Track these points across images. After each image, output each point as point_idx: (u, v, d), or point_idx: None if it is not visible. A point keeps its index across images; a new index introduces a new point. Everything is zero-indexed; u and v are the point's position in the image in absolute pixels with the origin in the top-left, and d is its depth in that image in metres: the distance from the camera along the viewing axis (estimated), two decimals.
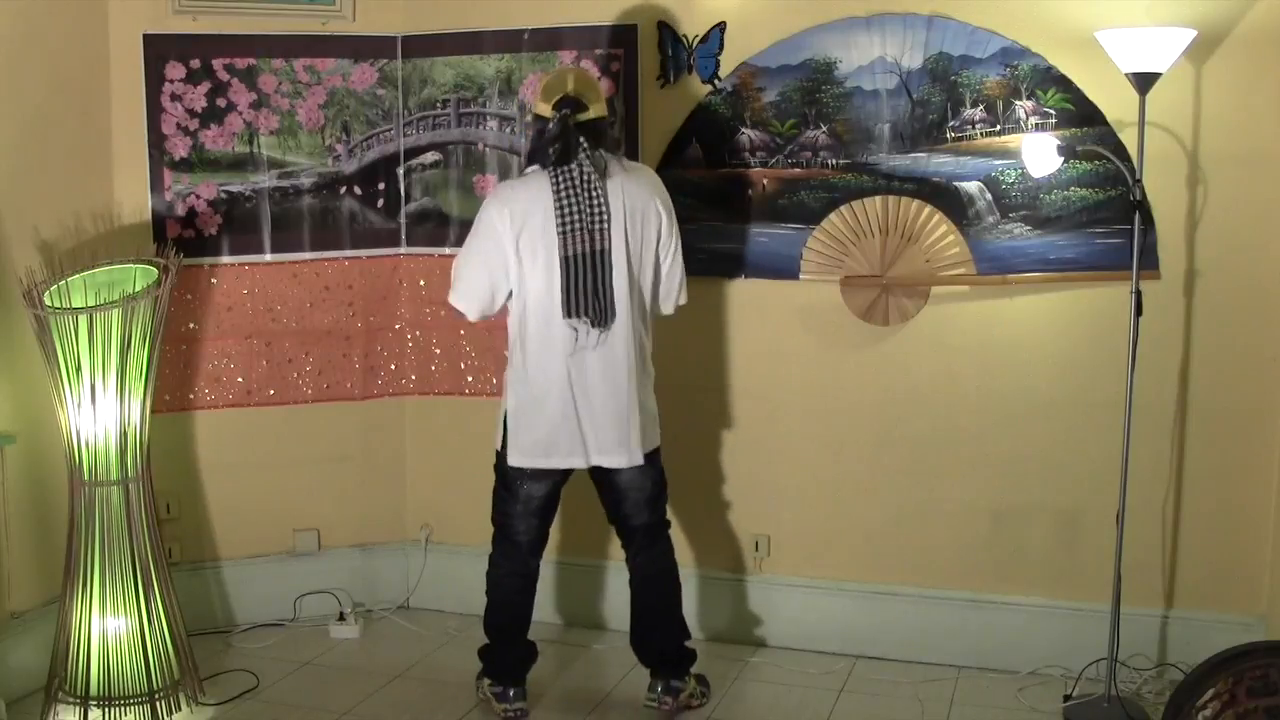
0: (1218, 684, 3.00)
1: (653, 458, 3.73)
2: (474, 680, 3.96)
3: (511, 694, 3.77)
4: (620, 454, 3.62)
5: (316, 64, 4.39)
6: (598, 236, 3.49)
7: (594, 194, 3.48)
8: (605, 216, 3.49)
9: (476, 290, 3.57)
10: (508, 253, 3.51)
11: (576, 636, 4.42)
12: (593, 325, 3.52)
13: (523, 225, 3.50)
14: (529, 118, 3.72)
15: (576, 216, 3.47)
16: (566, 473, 3.71)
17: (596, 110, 3.53)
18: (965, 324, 4.02)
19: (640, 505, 3.77)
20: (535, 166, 3.58)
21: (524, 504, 3.73)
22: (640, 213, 3.57)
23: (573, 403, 3.56)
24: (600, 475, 3.73)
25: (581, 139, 3.47)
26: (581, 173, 3.47)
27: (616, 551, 4.45)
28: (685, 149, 4.22)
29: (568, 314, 3.50)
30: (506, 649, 3.82)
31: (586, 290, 3.49)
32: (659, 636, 3.81)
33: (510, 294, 3.58)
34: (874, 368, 4.12)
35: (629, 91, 4.25)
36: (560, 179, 3.47)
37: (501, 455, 3.71)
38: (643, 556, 3.81)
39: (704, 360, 4.30)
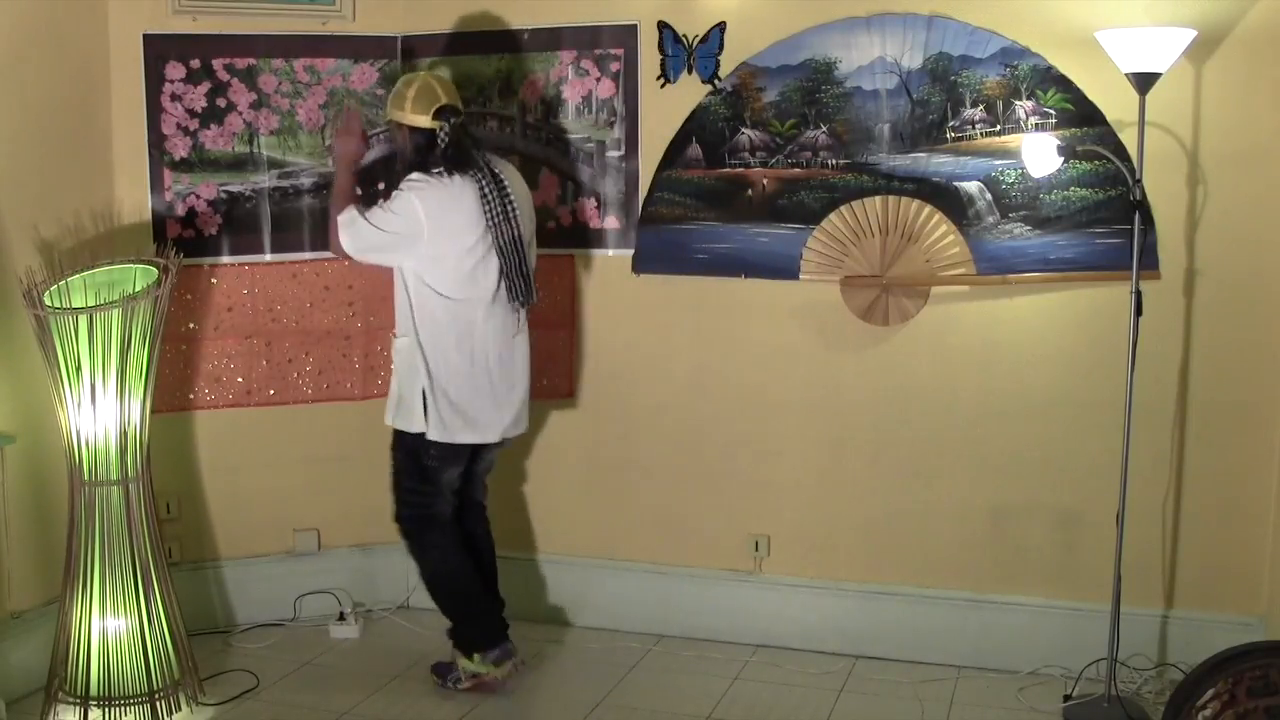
0: (1218, 684, 3.00)
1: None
2: (441, 680, 3.99)
3: (510, 648, 3.95)
4: (519, 426, 3.98)
5: (316, 64, 4.39)
6: (514, 224, 3.82)
7: (503, 188, 3.81)
8: (515, 208, 3.83)
9: (377, 247, 3.76)
10: (418, 238, 3.71)
11: (576, 637, 4.42)
12: (521, 305, 3.88)
13: (441, 218, 3.71)
14: (392, 124, 3.90)
15: (499, 210, 3.78)
16: (474, 451, 3.94)
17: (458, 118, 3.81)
18: (965, 324, 4.03)
19: (483, 481, 4.08)
20: (440, 170, 3.74)
21: (448, 487, 3.93)
22: (527, 202, 3.94)
23: (493, 379, 3.85)
24: (476, 454, 3.96)
25: (475, 142, 3.84)
26: (492, 171, 3.80)
27: (617, 552, 4.46)
28: (685, 149, 4.22)
29: (511, 297, 3.83)
30: (485, 614, 3.97)
31: (515, 274, 3.82)
32: (498, 603, 4.06)
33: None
34: (874, 368, 4.12)
35: (629, 91, 4.26)
36: (477, 179, 3.76)
37: (420, 437, 3.83)
38: (481, 529, 4.09)
39: (704, 360, 4.30)
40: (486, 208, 3.75)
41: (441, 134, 3.75)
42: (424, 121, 3.75)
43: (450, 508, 3.96)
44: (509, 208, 3.80)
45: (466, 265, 3.75)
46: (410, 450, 3.89)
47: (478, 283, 3.78)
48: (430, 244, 3.72)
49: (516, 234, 3.82)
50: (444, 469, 3.89)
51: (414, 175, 3.74)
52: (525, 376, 3.95)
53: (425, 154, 3.77)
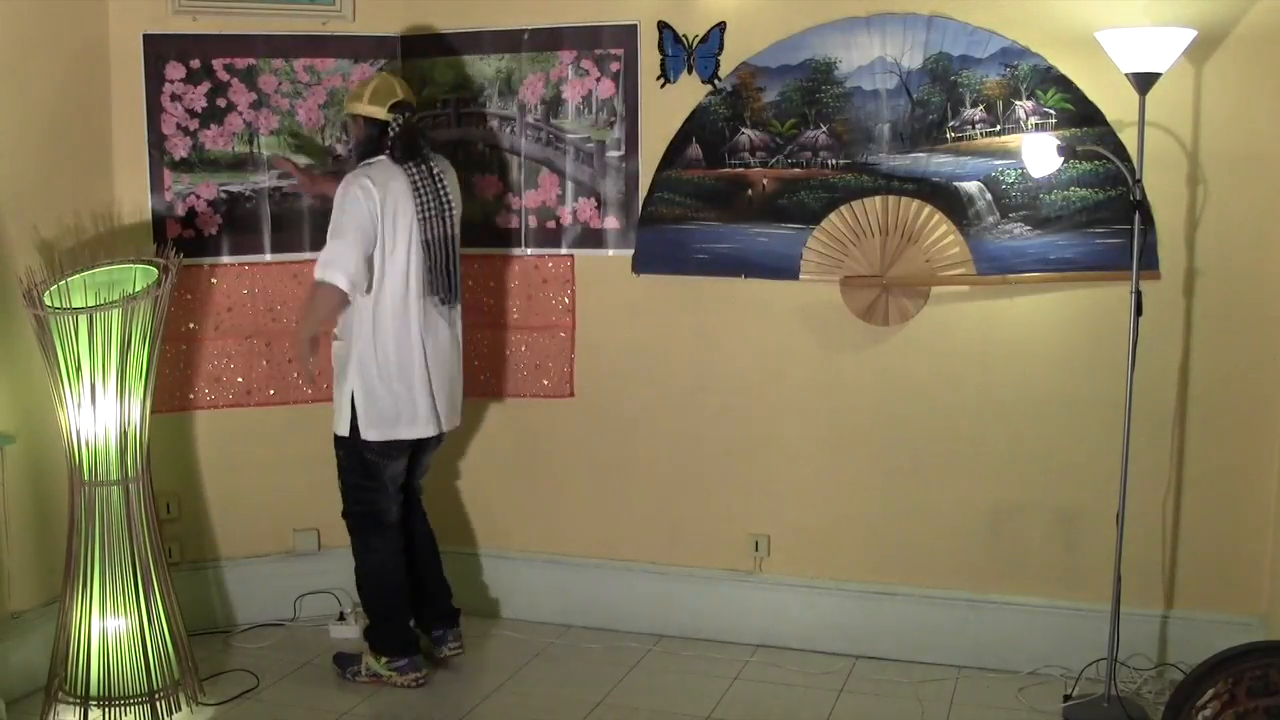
0: (1218, 684, 3.00)
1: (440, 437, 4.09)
2: (341, 671, 4.07)
3: (418, 661, 4.03)
4: (455, 418, 4.06)
5: (316, 64, 4.39)
6: (448, 223, 3.93)
7: (440, 186, 3.91)
8: (450, 206, 3.94)
9: (357, 267, 3.79)
10: (376, 232, 3.80)
11: (576, 636, 4.42)
12: (442, 303, 3.92)
13: (384, 210, 3.80)
14: (348, 117, 4.03)
15: (432, 205, 3.87)
16: (414, 445, 3.98)
17: (412, 117, 3.93)
18: (965, 324, 4.02)
19: (423, 474, 4.16)
20: (382, 158, 3.87)
21: (391, 484, 3.99)
22: (460, 202, 4.02)
23: (428, 374, 3.91)
24: (420, 445, 4.01)
25: (421, 138, 3.92)
26: (430, 167, 3.89)
27: (617, 552, 4.46)
28: (685, 149, 4.22)
29: (432, 292, 3.88)
30: (404, 626, 4.06)
31: (440, 271, 3.90)
32: (443, 594, 4.18)
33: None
34: (874, 368, 4.12)
35: (629, 91, 4.26)
36: (413, 172, 3.86)
37: (355, 437, 3.88)
38: (421, 523, 4.16)
39: (704, 360, 4.30)
40: (418, 200, 3.84)
41: (393, 126, 3.86)
42: (379, 113, 3.87)
43: (396, 506, 4.03)
44: (444, 204, 3.90)
45: (399, 257, 3.82)
46: (351, 447, 3.93)
47: (406, 276, 3.84)
48: (385, 231, 3.80)
49: (448, 233, 3.91)
50: (385, 465, 3.94)
51: (356, 169, 3.88)
52: (459, 371, 4.04)
53: (375, 144, 3.89)
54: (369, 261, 3.79)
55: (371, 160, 3.87)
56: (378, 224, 3.79)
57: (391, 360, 3.85)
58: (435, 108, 4.47)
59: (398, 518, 4.03)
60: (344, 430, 3.89)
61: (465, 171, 4.45)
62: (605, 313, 4.39)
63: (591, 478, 4.47)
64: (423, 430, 3.92)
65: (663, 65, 4.22)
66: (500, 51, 4.38)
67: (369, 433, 3.86)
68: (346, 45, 4.41)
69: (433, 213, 3.86)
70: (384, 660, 4.00)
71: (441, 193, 3.91)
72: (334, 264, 3.76)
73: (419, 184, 3.86)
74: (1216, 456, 3.87)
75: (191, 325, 4.35)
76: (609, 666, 4.17)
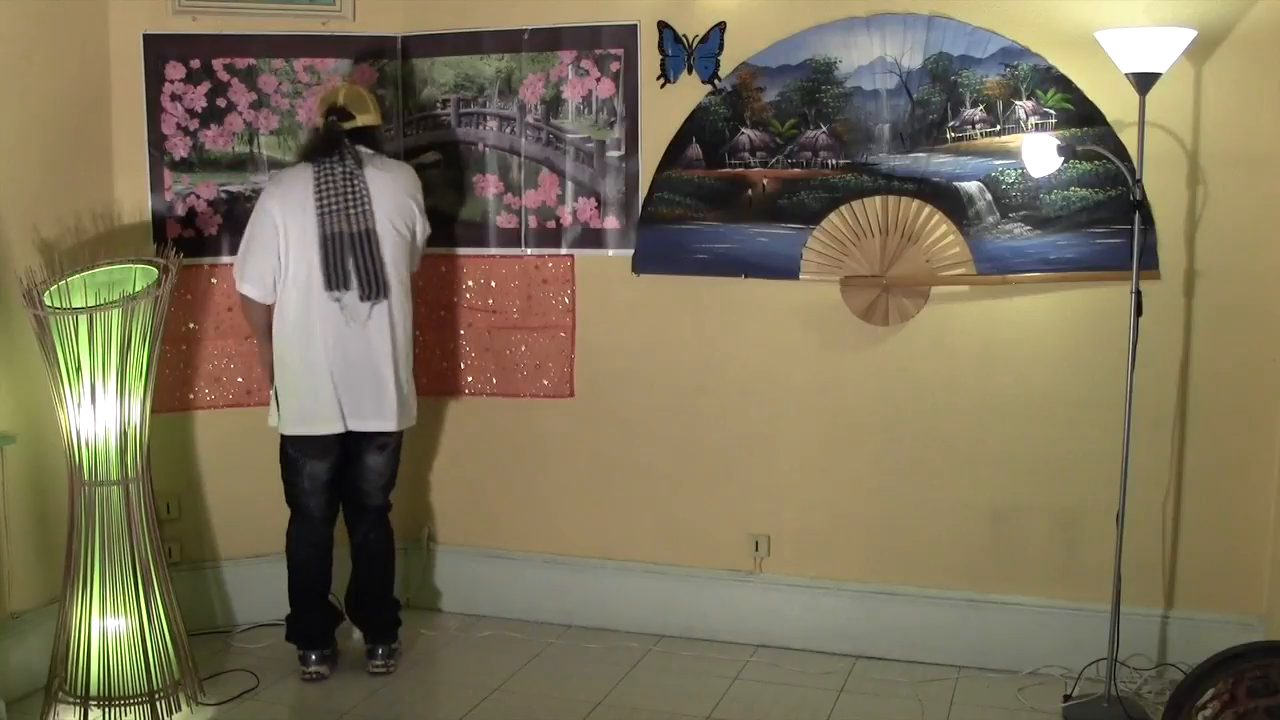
0: (1218, 684, 3.00)
1: (399, 440, 4.09)
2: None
3: (314, 657, 4.07)
4: (375, 420, 3.97)
5: (316, 64, 4.39)
6: (359, 218, 3.86)
7: (353, 182, 3.86)
8: (366, 201, 3.87)
9: (262, 275, 3.89)
10: (279, 237, 3.87)
11: (575, 636, 4.42)
12: (362, 299, 3.88)
13: (285, 211, 3.87)
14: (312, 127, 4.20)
15: (335, 201, 3.85)
16: (340, 446, 3.99)
17: (364, 119, 3.96)
18: (965, 324, 4.02)
19: (378, 488, 4.10)
20: (301, 162, 3.97)
21: (310, 480, 4.02)
22: (398, 201, 3.96)
23: (331, 372, 3.90)
24: (354, 452, 4.03)
25: (346, 140, 3.89)
26: (344, 165, 3.87)
27: (617, 552, 4.46)
28: (685, 149, 4.22)
29: (329, 287, 3.85)
30: (307, 614, 4.10)
31: (349, 266, 3.85)
32: (380, 609, 4.15)
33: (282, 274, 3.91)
34: (874, 368, 4.12)
35: (629, 91, 4.26)
36: (320, 169, 3.87)
37: (279, 431, 4.01)
38: (374, 535, 4.13)
39: (704, 360, 4.30)
40: (318, 196, 3.85)
41: (320, 130, 3.98)
42: (319, 120, 4.02)
43: (319, 503, 4.05)
44: (350, 201, 3.85)
45: (297, 255, 3.86)
46: (280, 444, 4.04)
47: (307, 274, 3.86)
48: (291, 231, 3.86)
49: (358, 229, 3.85)
50: (303, 461, 3.99)
51: None
52: (387, 366, 3.95)
53: (307, 149, 4.02)
54: (279, 263, 3.87)
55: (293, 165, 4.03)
56: (277, 227, 3.85)
57: (296, 357, 3.90)
58: (435, 108, 4.47)
59: (322, 515, 4.07)
60: (273, 422, 4.00)
61: (465, 171, 4.46)
62: (605, 313, 4.39)
63: (591, 478, 4.47)
64: (325, 428, 3.93)
65: (663, 65, 4.22)
66: (500, 51, 4.38)
67: (284, 427, 3.97)
68: (346, 45, 4.41)
69: (335, 208, 3.84)
70: (293, 645, 4.11)
71: (351, 190, 3.85)
72: (240, 274, 3.93)
73: (321, 181, 3.85)
74: (1216, 456, 3.87)
75: (191, 325, 4.35)
76: (609, 666, 4.17)
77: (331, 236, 3.84)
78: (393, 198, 3.94)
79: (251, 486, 4.44)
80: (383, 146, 4.10)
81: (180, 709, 3.74)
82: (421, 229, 4.08)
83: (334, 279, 3.85)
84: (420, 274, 4.53)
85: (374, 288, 3.88)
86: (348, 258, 3.84)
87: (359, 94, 4.04)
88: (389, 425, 3.98)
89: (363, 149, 3.93)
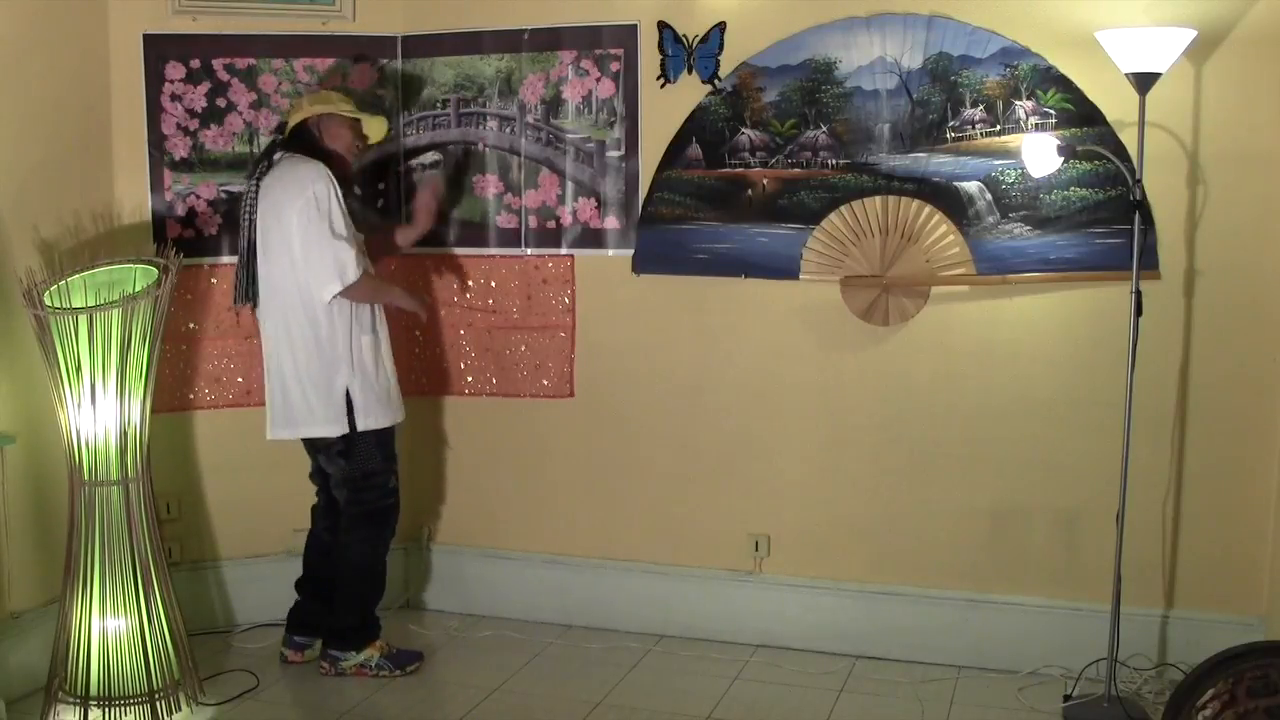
0: (1218, 684, 3.00)
1: (341, 447, 4.00)
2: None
3: (283, 641, 4.22)
4: (288, 428, 4.00)
5: (316, 64, 4.39)
6: (247, 230, 3.93)
7: (250, 195, 3.91)
8: (252, 212, 3.90)
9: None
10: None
11: (576, 637, 4.42)
12: (253, 310, 4.00)
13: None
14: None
15: (244, 216, 3.93)
16: (311, 445, 4.08)
17: (293, 120, 3.96)
18: (965, 324, 4.02)
19: (339, 489, 4.09)
20: None
21: (313, 476, 4.19)
22: (274, 206, 3.85)
23: (268, 380, 4.01)
24: (310, 450, 4.13)
25: (273, 148, 3.95)
26: (253, 178, 3.92)
27: (616, 552, 4.47)
28: (685, 149, 4.22)
29: (233, 299, 4.04)
30: (297, 603, 4.23)
31: (242, 278, 3.95)
32: (327, 612, 4.14)
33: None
34: (874, 368, 4.12)
35: (629, 91, 4.26)
36: (247, 183, 3.97)
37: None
38: (342, 539, 4.11)
39: (704, 360, 4.30)
40: (240, 211, 3.97)
41: None
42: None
43: (321, 498, 4.20)
44: (245, 212, 3.92)
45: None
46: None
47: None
48: None
49: (246, 241, 3.92)
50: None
51: None
52: (276, 377, 3.95)
53: None
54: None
55: None
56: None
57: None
58: (435, 108, 4.47)
59: (321, 510, 4.20)
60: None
61: (465, 171, 4.46)
62: (605, 313, 4.39)
63: (591, 478, 4.47)
64: (268, 430, 4.04)
65: (663, 65, 4.22)
66: (500, 51, 4.38)
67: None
68: (346, 45, 4.41)
69: (244, 223, 3.93)
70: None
71: (248, 204, 3.91)
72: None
73: (243, 196, 3.96)
74: (1216, 456, 3.87)
75: (191, 325, 4.35)
76: (609, 666, 4.17)
77: (240, 250, 3.97)
78: (271, 206, 3.86)
79: (251, 486, 4.45)
80: (321, 141, 3.93)
81: (180, 709, 3.74)
82: (302, 232, 3.78)
83: (235, 291, 4.00)
84: (420, 274, 4.55)
85: (244, 297, 3.96)
86: (242, 270, 3.95)
87: (297, 101, 4.08)
88: (275, 434, 4.02)
89: (285, 153, 3.91)
